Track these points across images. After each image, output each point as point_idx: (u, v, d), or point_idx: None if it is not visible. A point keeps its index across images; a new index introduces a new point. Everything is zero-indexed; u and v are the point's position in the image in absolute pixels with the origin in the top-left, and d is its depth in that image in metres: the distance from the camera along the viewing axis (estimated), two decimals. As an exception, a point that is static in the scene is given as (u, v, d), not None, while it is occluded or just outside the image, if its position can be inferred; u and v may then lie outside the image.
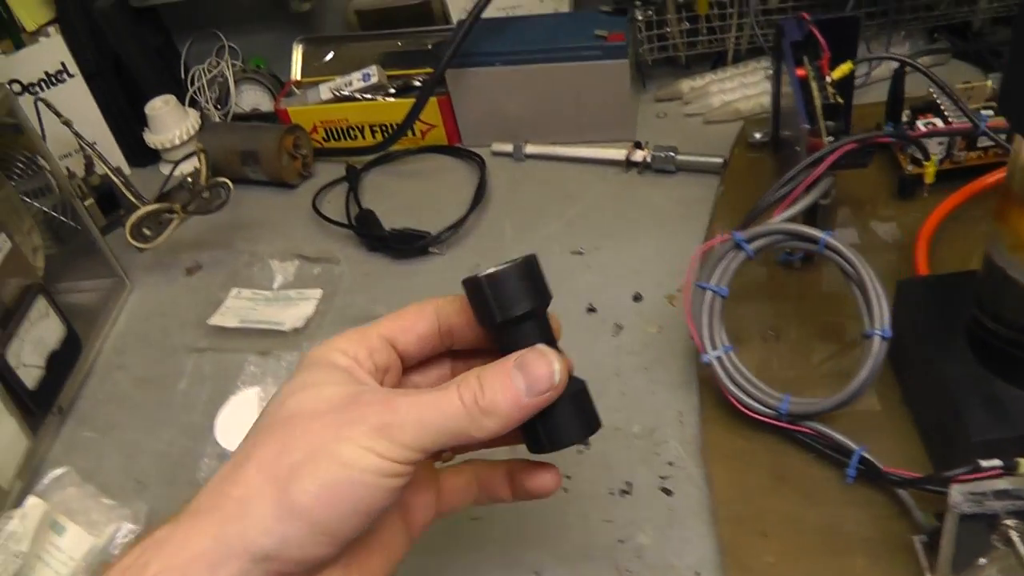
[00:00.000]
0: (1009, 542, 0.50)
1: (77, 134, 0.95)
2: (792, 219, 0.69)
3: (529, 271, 0.46)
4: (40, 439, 0.80)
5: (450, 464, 0.53)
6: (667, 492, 0.67)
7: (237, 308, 0.89)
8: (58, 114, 0.93)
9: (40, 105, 0.96)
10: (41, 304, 0.83)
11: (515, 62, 0.97)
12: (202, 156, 0.93)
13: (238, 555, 0.40)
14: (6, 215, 0.84)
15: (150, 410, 0.83)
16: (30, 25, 1.06)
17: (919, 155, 0.81)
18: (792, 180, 0.71)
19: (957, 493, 0.50)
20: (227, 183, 0.89)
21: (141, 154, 1.13)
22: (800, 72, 0.77)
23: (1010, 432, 0.57)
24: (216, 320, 0.88)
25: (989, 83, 0.86)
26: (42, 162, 0.89)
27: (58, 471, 0.75)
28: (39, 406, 0.80)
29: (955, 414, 0.59)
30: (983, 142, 0.82)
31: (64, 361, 0.85)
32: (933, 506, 0.57)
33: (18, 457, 0.76)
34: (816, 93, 0.75)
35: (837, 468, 0.63)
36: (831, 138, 0.71)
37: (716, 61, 1.08)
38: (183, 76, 1.19)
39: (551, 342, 0.47)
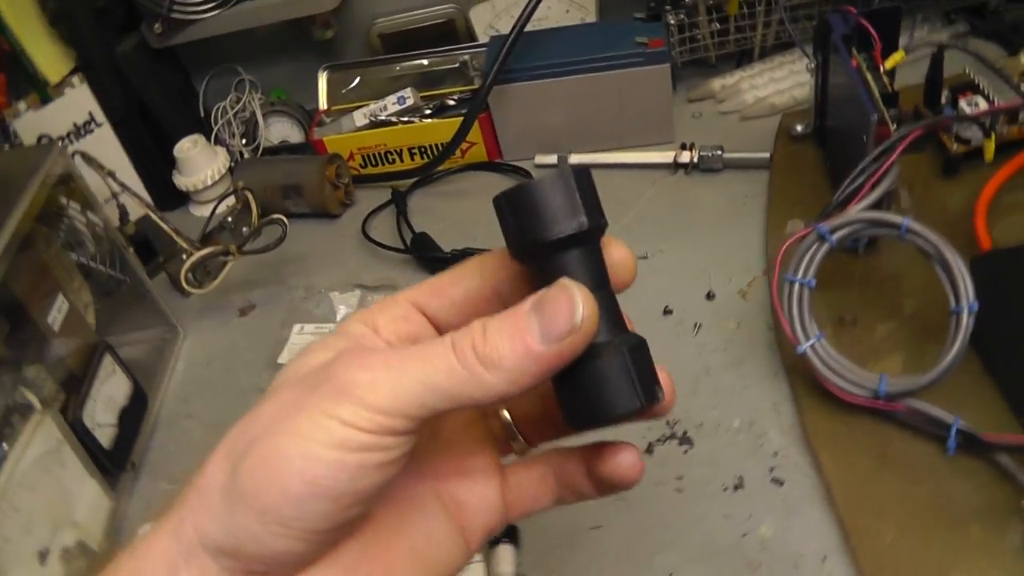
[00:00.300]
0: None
1: (122, 184, 0.94)
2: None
3: (571, 184, 0.35)
4: (119, 497, 0.79)
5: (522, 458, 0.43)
6: (778, 482, 0.68)
7: (304, 344, 0.88)
8: (100, 166, 0.92)
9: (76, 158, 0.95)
10: (108, 362, 0.82)
11: (558, 74, 0.98)
12: (249, 195, 0.93)
13: (195, 552, 0.34)
14: (60, 274, 0.83)
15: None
16: (54, 77, 1.05)
17: (967, 135, 0.84)
18: (865, 171, 0.72)
19: None
20: (283, 219, 0.88)
21: (168, 197, 1.12)
22: (854, 63, 0.79)
23: None
24: (285, 358, 0.87)
25: (1021, 59, 0.88)
26: (91, 216, 0.88)
27: (147, 526, 0.75)
28: (115, 464, 0.79)
29: None
30: (1024, 116, 0.84)
31: (134, 416, 0.84)
32: None
33: (103, 518, 0.75)
34: (874, 83, 0.76)
35: (937, 442, 0.64)
36: (895, 126, 0.73)
37: (740, 59, 1.10)
38: (203, 115, 1.18)
39: (601, 284, 0.36)
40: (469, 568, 0.67)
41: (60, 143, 1.01)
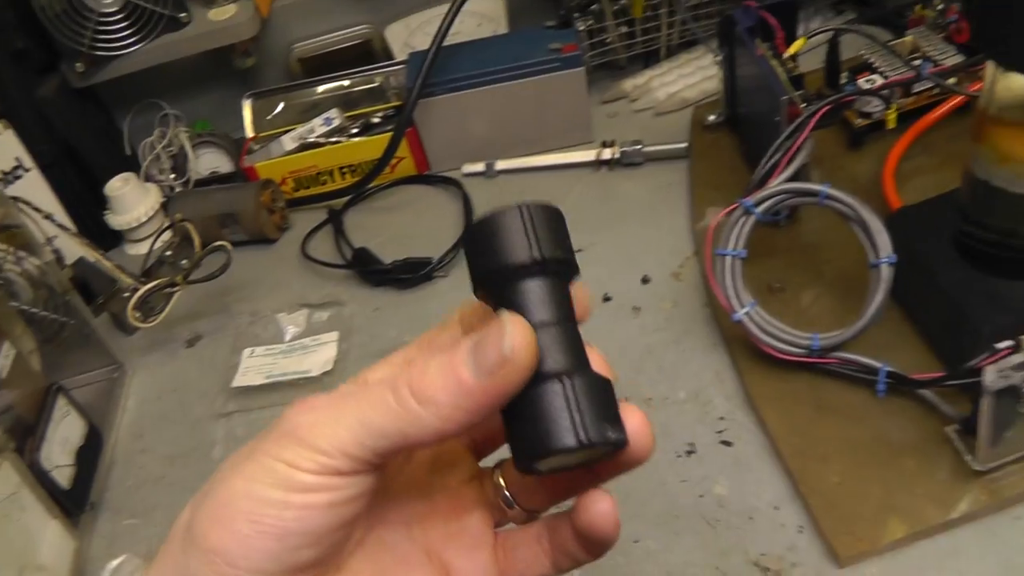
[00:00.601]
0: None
1: (61, 226, 0.95)
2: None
3: (528, 216, 0.35)
4: (82, 537, 0.79)
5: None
6: (727, 444, 0.72)
7: (258, 366, 0.89)
8: (37, 209, 0.93)
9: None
10: (62, 403, 0.83)
11: (478, 84, 1.01)
12: (189, 226, 0.94)
13: None
14: (2, 323, 0.83)
15: (189, 482, 0.82)
16: (-25, 125, 1.05)
17: (867, 110, 0.90)
18: (780, 147, 0.77)
19: (990, 373, 0.59)
20: (226, 246, 0.90)
21: (102, 238, 1.12)
22: (759, 52, 0.84)
23: (1010, 317, 0.66)
24: (240, 381, 0.88)
25: (909, 39, 0.94)
26: (28, 263, 0.89)
27: (115, 561, 0.75)
28: (76, 504, 0.80)
29: (961, 313, 0.68)
30: (916, 88, 0.91)
31: (90, 455, 0.84)
32: (954, 400, 0.67)
33: (68, 559, 0.76)
34: (780, 69, 0.82)
35: (869, 388, 0.70)
36: (804, 104, 0.78)
37: (649, 59, 1.15)
38: (130, 152, 1.18)
39: (560, 319, 0.35)
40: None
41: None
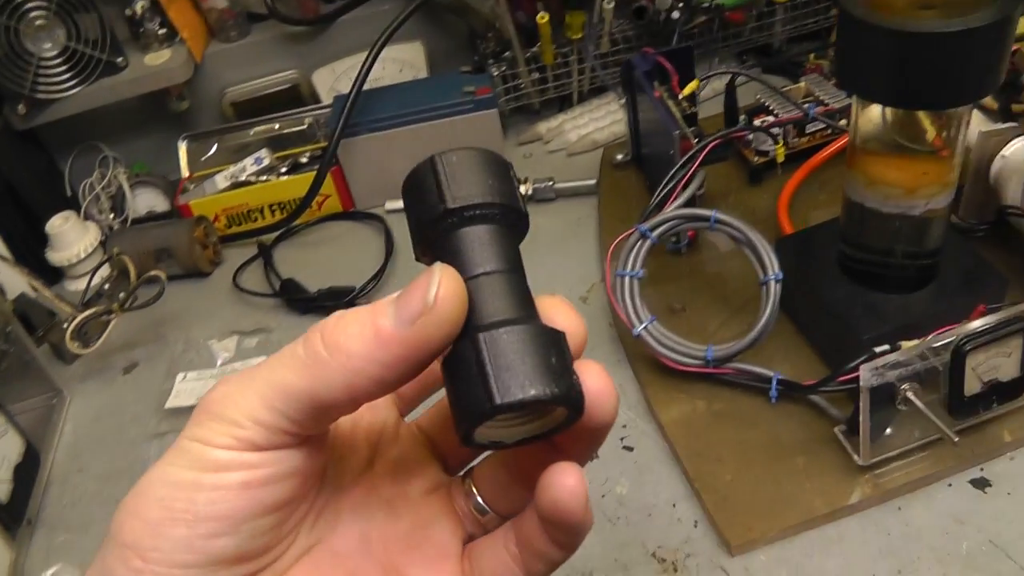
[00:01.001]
0: (907, 401, 0.66)
1: (3, 258, 0.99)
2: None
3: (452, 165, 0.32)
4: (18, 549, 0.82)
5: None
6: (628, 448, 0.78)
7: (190, 389, 0.94)
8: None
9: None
10: (1, 421, 0.86)
11: (397, 125, 1.08)
12: (126, 259, 0.99)
13: None
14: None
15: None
16: (-84, 165, 1.09)
17: (764, 148, 0.98)
18: (674, 177, 0.84)
19: (865, 371, 0.64)
20: (160, 275, 0.95)
21: (42, 274, 1.15)
22: (656, 94, 0.92)
23: (888, 326, 0.73)
24: (173, 403, 0.92)
25: (802, 84, 1.03)
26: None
27: (50, 571, 0.79)
28: (13, 518, 0.83)
29: (844, 324, 0.75)
30: (810, 129, 1.00)
31: (27, 473, 0.87)
32: (842, 404, 0.73)
33: (4, 570, 0.78)
34: (675, 108, 0.89)
35: (762, 394, 0.76)
36: (696, 139, 0.86)
37: (562, 104, 1.23)
38: (70, 193, 1.23)
39: (503, 267, 0.32)
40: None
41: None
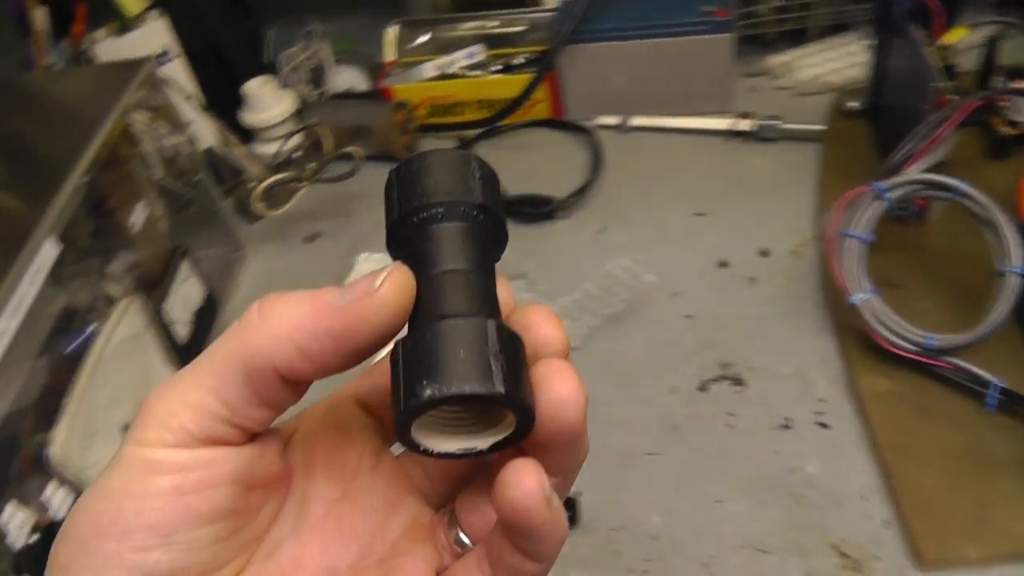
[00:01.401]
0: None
1: (202, 107, 0.98)
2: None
3: (406, 172, 0.31)
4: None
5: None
6: (824, 426, 0.72)
7: (370, 269, 0.92)
8: (182, 88, 0.96)
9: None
10: (185, 266, 0.87)
11: (625, 37, 1.02)
12: (322, 130, 0.97)
13: None
14: (141, 184, 0.87)
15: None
16: (132, 9, 1.09)
17: (1017, 118, 0.87)
18: (922, 136, 0.76)
19: None
20: (357, 152, 0.93)
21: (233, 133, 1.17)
22: (916, 36, 0.82)
23: None
24: (352, 279, 0.91)
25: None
26: (174, 139, 0.93)
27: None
28: (190, 359, 0.83)
29: None
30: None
31: (206, 319, 0.89)
32: None
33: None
34: (934, 56, 0.80)
35: (976, 398, 0.69)
36: (956, 96, 0.77)
37: (796, 38, 1.13)
38: (268, 59, 1.22)
39: (468, 266, 0.30)
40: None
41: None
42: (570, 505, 0.69)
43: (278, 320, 0.28)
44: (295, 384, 0.29)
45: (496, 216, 0.32)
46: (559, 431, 0.29)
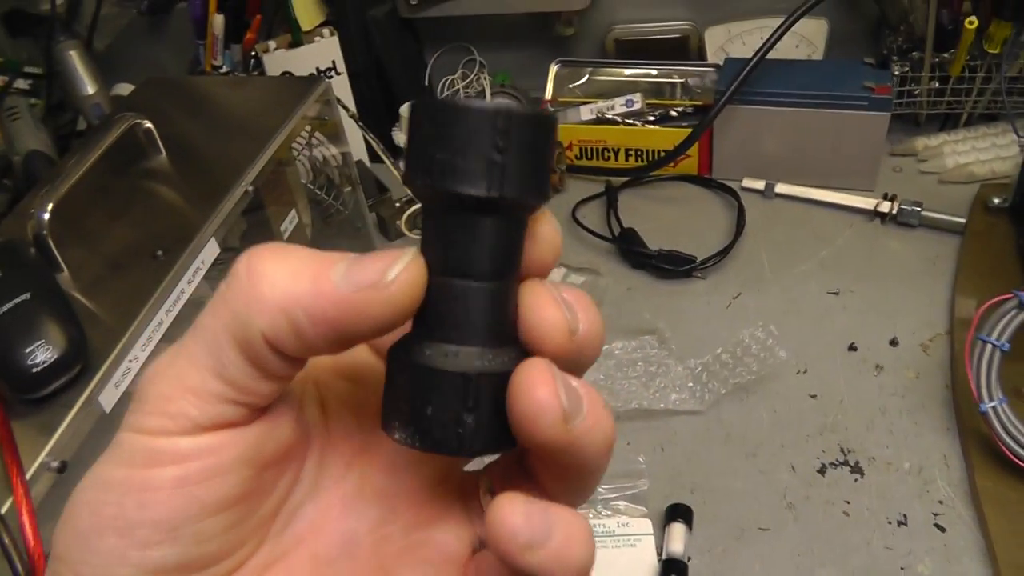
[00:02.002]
0: None
1: (362, 126, 1.03)
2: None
3: (503, 128, 0.25)
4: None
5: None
6: (940, 528, 0.72)
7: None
8: (346, 108, 1.01)
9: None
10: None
11: (782, 104, 1.03)
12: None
13: None
14: (295, 193, 0.92)
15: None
16: (306, 25, 1.15)
17: None
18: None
19: None
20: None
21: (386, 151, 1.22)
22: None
23: None
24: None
25: None
26: (324, 150, 0.98)
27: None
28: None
29: None
30: None
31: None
32: None
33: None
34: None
35: None
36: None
37: (945, 122, 1.14)
38: (428, 84, 1.26)
39: (494, 274, 0.27)
40: (641, 540, 0.74)
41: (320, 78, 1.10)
42: (679, 568, 0.71)
43: (270, 287, 0.25)
44: (291, 358, 0.26)
45: (540, 201, 0.27)
46: (542, 444, 0.26)
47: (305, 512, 0.30)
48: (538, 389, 0.26)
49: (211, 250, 0.73)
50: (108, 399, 0.61)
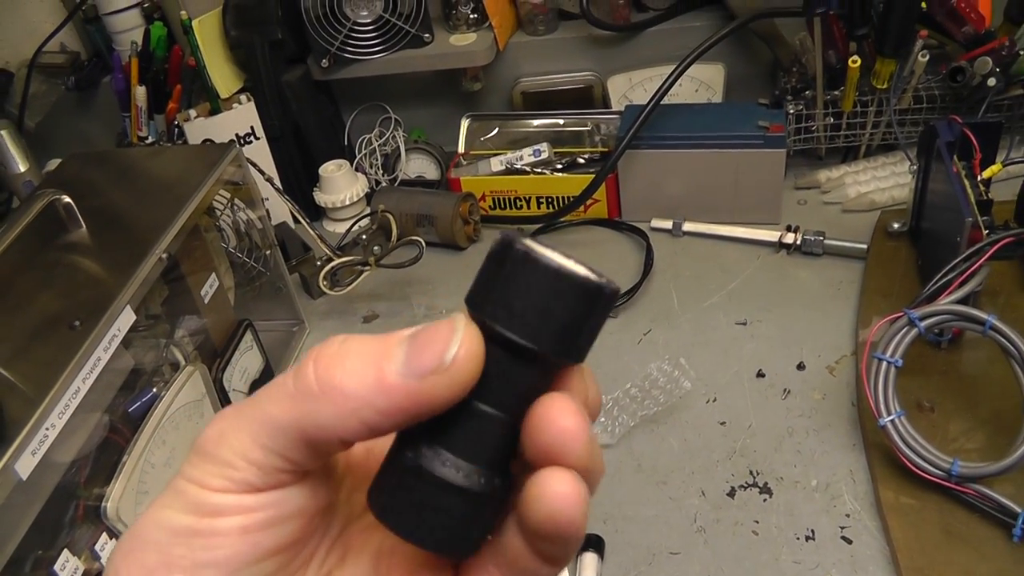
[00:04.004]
0: None
1: (279, 189, 1.04)
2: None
3: (565, 292, 0.28)
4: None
5: None
6: (847, 540, 0.74)
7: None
8: (261, 172, 1.03)
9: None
10: (248, 337, 0.92)
11: (683, 146, 1.06)
12: (390, 216, 1.03)
13: None
14: (215, 258, 0.93)
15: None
16: (224, 92, 1.18)
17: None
18: (956, 268, 0.79)
19: None
20: (420, 241, 0.98)
21: (306, 211, 1.23)
22: (955, 170, 0.86)
23: None
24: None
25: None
26: (247, 215, 0.99)
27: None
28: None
29: None
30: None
31: (262, 388, 0.94)
32: None
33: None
34: (971, 190, 0.83)
35: (1003, 527, 0.70)
36: (987, 231, 0.80)
37: (847, 155, 1.18)
38: (346, 144, 1.29)
39: (511, 409, 0.29)
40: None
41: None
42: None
43: (340, 396, 0.27)
44: (350, 444, 0.29)
45: (566, 362, 0.29)
46: (554, 535, 0.28)
47: (337, 547, 0.33)
48: (565, 485, 0.27)
49: (127, 318, 0.74)
50: (24, 467, 0.61)
